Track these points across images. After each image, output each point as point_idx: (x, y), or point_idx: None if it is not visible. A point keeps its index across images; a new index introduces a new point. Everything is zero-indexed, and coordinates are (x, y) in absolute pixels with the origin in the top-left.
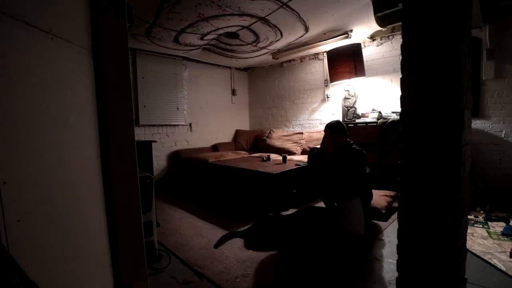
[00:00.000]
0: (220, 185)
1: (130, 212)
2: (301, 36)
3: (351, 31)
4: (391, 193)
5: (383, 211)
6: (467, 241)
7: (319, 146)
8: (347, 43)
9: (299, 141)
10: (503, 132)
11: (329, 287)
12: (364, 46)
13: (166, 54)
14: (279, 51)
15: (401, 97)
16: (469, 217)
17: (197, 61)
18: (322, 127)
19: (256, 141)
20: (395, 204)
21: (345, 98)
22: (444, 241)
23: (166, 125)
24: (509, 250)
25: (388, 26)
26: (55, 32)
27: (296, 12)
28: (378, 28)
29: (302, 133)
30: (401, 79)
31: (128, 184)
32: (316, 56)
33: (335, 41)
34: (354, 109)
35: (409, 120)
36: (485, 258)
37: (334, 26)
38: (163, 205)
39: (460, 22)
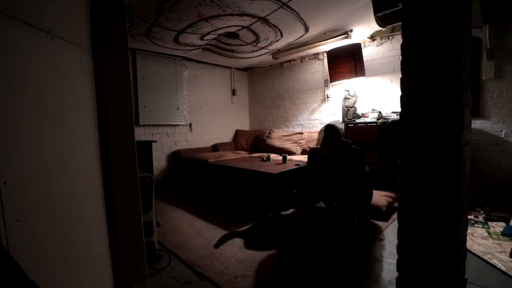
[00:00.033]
0: (220, 185)
1: (130, 212)
2: (301, 36)
3: (351, 31)
4: (392, 193)
5: (384, 209)
6: (467, 241)
7: (319, 146)
8: (347, 43)
9: (299, 141)
10: (503, 132)
11: (329, 287)
12: (364, 46)
13: (166, 54)
14: (279, 51)
15: (401, 97)
16: (469, 217)
17: (197, 61)
18: (322, 127)
19: (256, 141)
20: (396, 204)
21: (345, 98)
22: (444, 241)
23: (166, 125)
24: (509, 250)
25: (388, 26)
26: (55, 32)
27: (296, 12)
28: (378, 28)
29: (302, 133)
30: (401, 79)
31: (128, 184)
32: (316, 56)
33: (335, 41)
34: (354, 109)
35: (409, 120)
36: (485, 258)
37: (334, 26)
38: (163, 205)
39: (460, 22)
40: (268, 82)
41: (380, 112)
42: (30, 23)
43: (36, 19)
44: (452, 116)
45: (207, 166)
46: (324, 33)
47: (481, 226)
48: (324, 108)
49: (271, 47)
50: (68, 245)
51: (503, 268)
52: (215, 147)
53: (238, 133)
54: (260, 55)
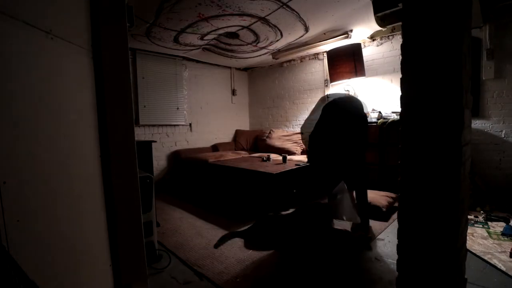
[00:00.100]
0: (220, 185)
1: (130, 212)
2: (301, 36)
3: (351, 31)
4: (392, 194)
5: (384, 209)
6: (467, 241)
7: None
8: (347, 43)
9: (299, 141)
10: (503, 132)
11: (329, 287)
12: (364, 46)
13: (166, 54)
14: (279, 51)
15: (401, 97)
16: (469, 217)
17: (197, 61)
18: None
19: (256, 141)
20: (396, 204)
21: None
22: (444, 241)
23: (166, 125)
24: (509, 250)
25: (388, 26)
26: (55, 32)
27: (296, 12)
28: (378, 28)
29: (302, 133)
30: (401, 79)
31: (128, 184)
32: (316, 56)
33: (335, 41)
34: None
35: (409, 120)
36: (485, 258)
37: (334, 26)
38: (163, 205)
39: (460, 22)
40: (268, 82)
41: (380, 112)
42: (30, 23)
43: (36, 19)
44: (452, 116)
45: (207, 166)
46: (324, 33)
47: (481, 226)
48: None
49: (271, 47)
50: (68, 245)
51: (503, 268)
52: (215, 147)
53: (238, 133)
54: (260, 55)
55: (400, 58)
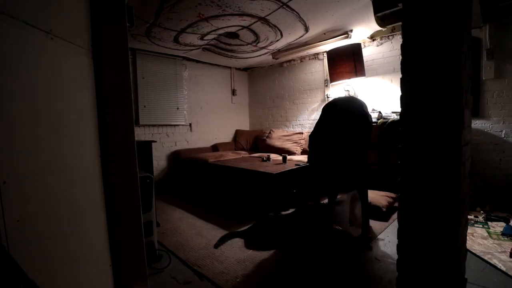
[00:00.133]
0: (220, 185)
1: (130, 212)
2: (301, 36)
3: (351, 31)
4: (392, 194)
5: (384, 209)
6: (467, 241)
7: None
8: (347, 43)
9: (299, 141)
10: (503, 132)
11: (329, 287)
12: (364, 46)
13: (166, 54)
14: (279, 51)
15: (401, 97)
16: (469, 217)
17: (197, 61)
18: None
19: (256, 141)
20: (396, 204)
21: None
22: (444, 241)
23: (166, 125)
24: (509, 250)
25: (388, 26)
26: (55, 32)
27: (296, 12)
28: (378, 28)
29: (302, 133)
30: (401, 79)
31: (128, 184)
32: (316, 56)
33: (335, 41)
34: None
35: (409, 120)
36: (485, 258)
37: (334, 26)
38: (163, 205)
39: (460, 22)
40: (268, 82)
41: (380, 112)
42: (30, 23)
43: (36, 19)
44: (452, 116)
45: (207, 166)
46: (324, 33)
47: (481, 226)
48: None
49: (271, 47)
50: (68, 245)
51: (503, 268)
52: (215, 147)
53: (238, 133)
54: (260, 55)
55: (400, 58)
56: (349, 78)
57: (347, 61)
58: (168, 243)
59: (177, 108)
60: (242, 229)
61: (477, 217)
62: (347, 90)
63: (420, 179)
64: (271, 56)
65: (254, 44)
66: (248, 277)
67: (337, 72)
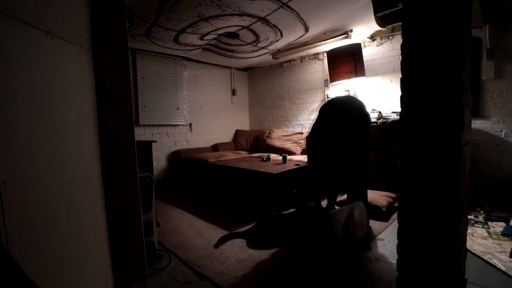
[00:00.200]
0: (220, 185)
1: (130, 212)
2: (301, 36)
3: (351, 31)
4: (392, 194)
5: (384, 209)
6: (467, 241)
7: None
8: (347, 43)
9: (299, 141)
10: (503, 132)
11: (329, 287)
12: (364, 46)
13: (166, 54)
14: (279, 51)
15: (401, 97)
16: (469, 217)
17: (197, 61)
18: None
19: (256, 141)
20: (396, 204)
21: None
22: (444, 241)
23: (166, 125)
24: (509, 250)
25: (388, 26)
26: (55, 32)
27: (296, 12)
28: (378, 28)
29: (302, 133)
30: (401, 79)
31: (128, 184)
32: (316, 56)
33: (335, 41)
34: None
35: (409, 120)
36: (485, 258)
37: (334, 26)
38: (163, 205)
39: (460, 22)
40: (268, 82)
41: (380, 112)
42: (30, 23)
43: (36, 19)
44: (452, 116)
45: (207, 166)
46: (324, 33)
47: (481, 226)
48: None
49: (271, 47)
50: (68, 245)
51: (503, 268)
52: (215, 147)
53: (238, 133)
54: (260, 55)
55: (400, 58)
56: (349, 78)
57: (347, 61)
58: (168, 243)
59: (177, 108)
60: (243, 229)
61: (477, 217)
62: (347, 90)
63: (420, 179)
64: (271, 56)
65: (254, 44)
66: (248, 277)
67: (337, 72)
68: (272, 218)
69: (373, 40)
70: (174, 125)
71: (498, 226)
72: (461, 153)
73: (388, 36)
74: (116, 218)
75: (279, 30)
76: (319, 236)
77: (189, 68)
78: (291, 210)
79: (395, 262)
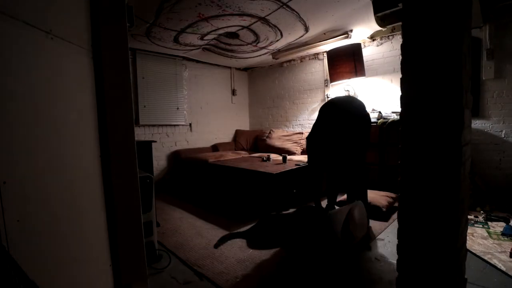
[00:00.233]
0: (220, 185)
1: (130, 212)
2: (301, 36)
3: (351, 31)
4: (392, 194)
5: (384, 209)
6: (467, 241)
7: None
8: (347, 43)
9: (299, 141)
10: (503, 132)
11: (329, 287)
12: (364, 46)
13: (166, 54)
14: (279, 51)
15: (401, 97)
16: (469, 217)
17: (197, 61)
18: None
19: (256, 141)
20: (396, 204)
21: None
22: (444, 241)
23: (166, 125)
24: (509, 250)
25: (388, 26)
26: (55, 32)
27: (296, 12)
28: (378, 28)
29: (302, 133)
30: (401, 79)
31: (128, 184)
32: (316, 56)
33: (335, 41)
34: None
35: (409, 120)
36: (485, 258)
37: (334, 26)
38: (163, 205)
39: (460, 22)
40: (268, 82)
41: (380, 112)
42: (30, 23)
43: (36, 19)
44: (452, 116)
45: (207, 166)
46: (324, 33)
47: (481, 226)
48: None
49: (271, 47)
50: (68, 245)
51: (503, 268)
52: (215, 147)
53: (238, 133)
54: (260, 55)
55: (400, 58)
56: (349, 78)
57: (347, 61)
58: (168, 243)
59: (177, 108)
60: (243, 229)
61: (477, 217)
62: (347, 90)
63: (420, 179)
64: (271, 56)
65: (254, 44)
66: (248, 277)
67: (337, 72)
68: (272, 218)
69: (373, 40)
70: (174, 125)
71: (498, 226)
72: (461, 153)
73: (388, 36)
74: (116, 218)
75: (279, 30)
76: (319, 236)
77: (189, 68)
78: (291, 210)
79: (395, 262)
